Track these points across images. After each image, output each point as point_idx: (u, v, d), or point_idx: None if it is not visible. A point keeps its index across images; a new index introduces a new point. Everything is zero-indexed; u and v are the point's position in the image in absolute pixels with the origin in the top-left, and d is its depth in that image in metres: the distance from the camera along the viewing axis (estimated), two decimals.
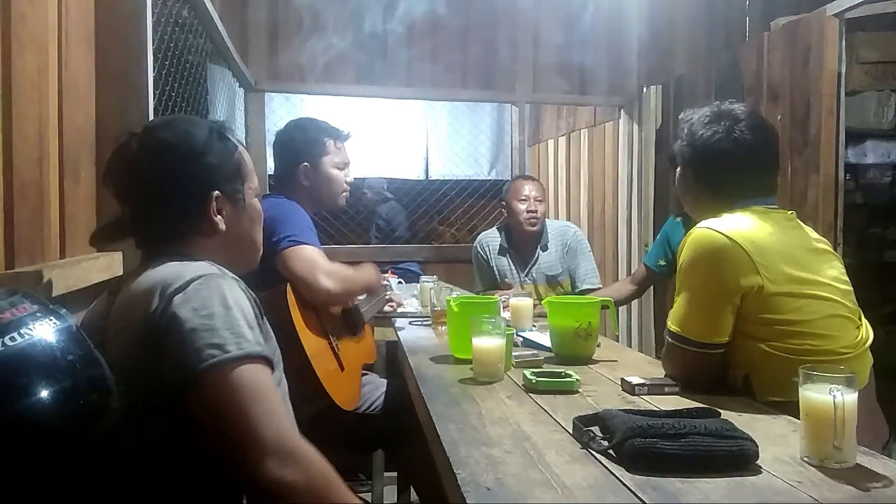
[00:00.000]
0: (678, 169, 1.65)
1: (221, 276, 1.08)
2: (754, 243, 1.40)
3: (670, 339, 1.49)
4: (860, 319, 1.49)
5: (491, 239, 3.25)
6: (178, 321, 0.99)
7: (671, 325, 1.48)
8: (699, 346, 1.43)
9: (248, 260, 1.30)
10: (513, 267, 3.17)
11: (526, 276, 3.13)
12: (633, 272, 3.10)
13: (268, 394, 1.00)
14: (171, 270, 1.07)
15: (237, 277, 1.13)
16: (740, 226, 1.44)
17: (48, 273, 1.24)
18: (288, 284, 1.85)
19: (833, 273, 1.47)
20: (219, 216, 1.19)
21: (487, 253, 3.23)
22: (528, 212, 3.05)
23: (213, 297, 1.03)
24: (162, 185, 1.15)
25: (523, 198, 3.07)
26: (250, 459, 0.93)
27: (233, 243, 1.23)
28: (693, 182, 1.60)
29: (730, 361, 1.45)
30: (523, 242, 3.16)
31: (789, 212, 1.57)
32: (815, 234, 1.55)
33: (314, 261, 1.88)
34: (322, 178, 2.15)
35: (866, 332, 1.48)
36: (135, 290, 1.07)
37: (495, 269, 3.20)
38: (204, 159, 1.17)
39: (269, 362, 1.04)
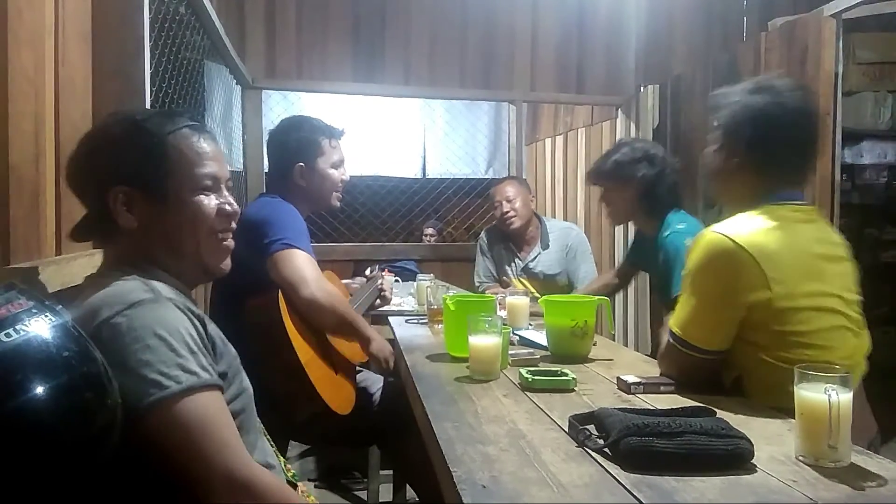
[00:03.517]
0: (712, 148, 1.56)
1: (154, 300, 1.02)
2: (766, 253, 1.36)
3: (671, 340, 1.48)
4: (861, 329, 1.46)
5: (494, 233, 3.37)
6: (111, 356, 0.93)
7: (673, 326, 1.47)
8: (698, 351, 1.43)
9: (192, 265, 1.18)
10: (511, 260, 3.27)
11: (522, 270, 3.19)
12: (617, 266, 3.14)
13: (216, 424, 0.96)
14: (101, 297, 1.03)
15: (174, 296, 1.06)
16: (754, 233, 1.39)
17: (44, 269, 1.24)
18: (280, 290, 1.83)
19: (843, 283, 1.44)
20: (128, 213, 1.11)
21: (490, 244, 3.35)
22: (502, 215, 3.17)
23: (145, 329, 0.98)
24: (77, 178, 1.16)
25: (496, 204, 3.21)
26: (201, 495, 0.91)
27: (161, 244, 1.14)
28: (729, 159, 1.51)
29: (724, 362, 1.45)
30: (520, 238, 3.25)
31: (813, 208, 1.52)
32: (835, 237, 1.51)
33: (303, 267, 1.85)
34: (318, 178, 2.12)
35: (864, 342, 1.46)
36: (75, 310, 1.03)
37: (493, 259, 3.32)
38: (104, 152, 1.13)
39: (216, 387, 1.00)
